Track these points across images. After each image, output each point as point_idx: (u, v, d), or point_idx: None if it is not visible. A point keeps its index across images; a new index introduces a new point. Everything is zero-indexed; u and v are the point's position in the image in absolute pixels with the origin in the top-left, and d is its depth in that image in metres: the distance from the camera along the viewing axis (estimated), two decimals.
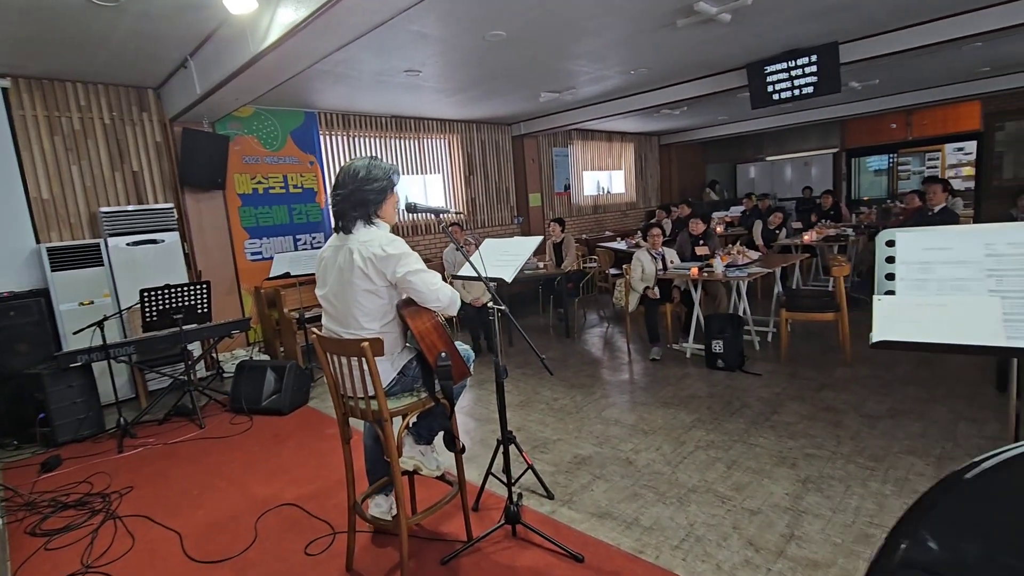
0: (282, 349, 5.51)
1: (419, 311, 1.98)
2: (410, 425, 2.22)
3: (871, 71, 6.97)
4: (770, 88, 5.89)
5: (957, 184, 10.51)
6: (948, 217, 5.65)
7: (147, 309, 4.00)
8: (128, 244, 4.75)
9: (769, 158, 13.39)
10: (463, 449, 2.20)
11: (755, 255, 5.11)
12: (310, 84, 5.22)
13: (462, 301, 2.11)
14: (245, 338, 5.73)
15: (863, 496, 2.47)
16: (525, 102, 7.06)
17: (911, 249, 1.14)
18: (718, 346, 4.32)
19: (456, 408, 2.20)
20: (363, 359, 1.88)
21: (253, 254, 5.88)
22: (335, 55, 3.86)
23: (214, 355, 5.22)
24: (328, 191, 6.30)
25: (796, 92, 5.71)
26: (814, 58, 5.48)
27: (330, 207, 2.06)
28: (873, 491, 2.51)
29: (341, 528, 2.47)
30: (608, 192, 11.08)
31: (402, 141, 7.39)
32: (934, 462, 2.71)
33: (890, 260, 1.16)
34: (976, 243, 1.08)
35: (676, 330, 5.25)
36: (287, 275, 4.97)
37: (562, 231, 6.41)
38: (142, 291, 3.98)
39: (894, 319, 1.07)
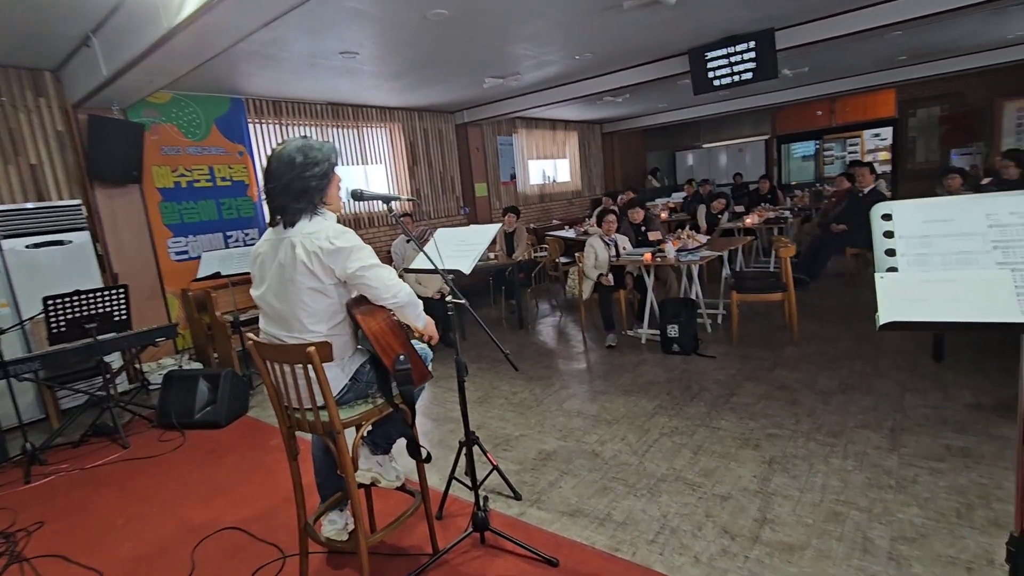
0: (216, 356, 5.09)
1: (372, 310, 1.78)
2: (365, 434, 2.03)
3: (802, 58, 7.21)
4: (711, 74, 5.96)
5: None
6: (877, 197, 5.93)
7: (53, 319, 3.54)
8: (28, 247, 4.20)
9: (706, 145, 13.79)
10: (429, 458, 2.03)
11: (704, 239, 5.17)
12: (236, 67, 4.80)
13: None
14: (173, 345, 5.26)
15: (827, 473, 2.50)
16: (468, 88, 6.84)
17: (910, 222, 1.07)
18: (673, 331, 4.33)
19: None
20: (310, 366, 1.67)
21: (178, 254, 5.39)
22: (262, 34, 3.53)
23: (137, 366, 4.74)
24: (260, 183, 5.86)
25: (736, 78, 5.81)
26: (752, 44, 5.58)
27: (264, 202, 1.81)
28: (836, 468, 2.54)
29: (292, 550, 2.24)
30: (554, 181, 11.04)
31: (340, 130, 7.00)
32: (888, 434, 2.78)
33: (888, 235, 1.09)
34: (977, 214, 1.03)
35: (630, 316, 5.25)
36: (217, 275, 4.57)
37: (516, 220, 6.28)
38: (45, 299, 3.52)
39: (900, 298, 0.99)
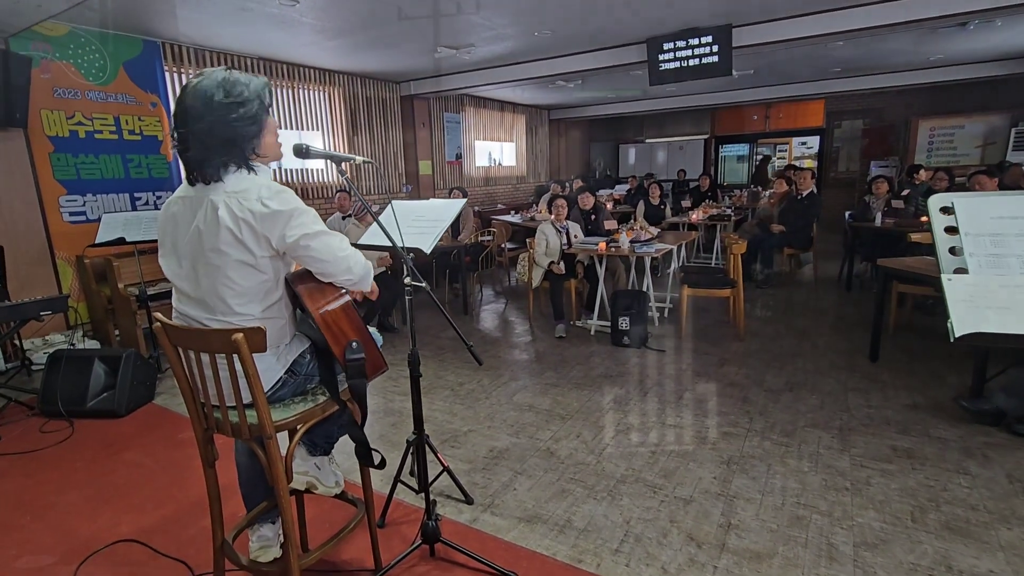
0: (117, 333, 4.46)
1: (322, 289, 1.46)
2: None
3: (748, 60, 7.35)
4: (666, 66, 5.91)
5: None
6: (815, 200, 6.17)
7: None
8: None
9: (648, 140, 13.99)
10: (383, 463, 1.75)
11: (655, 231, 5.12)
12: (148, 2, 4.15)
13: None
14: (64, 320, 4.57)
15: (785, 475, 2.46)
16: (418, 57, 6.41)
17: (976, 218, 0.93)
18: (625, 323, 4.25)
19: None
20: (236, 356, 1.35)
21: (73, 214, 4.67)
22: None
23: (16, 342, 4.06)
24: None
25: (690, 71, 5.79)
26: (709, 39, 5.57)
27: (177, 151, 1.43)
28: (792, 468, 2.51)
29: (204, 568, 1.91)
30: (500, 164, 10.78)
31: (274, 89, 6.34)
32: (838, 434, 2.80)
33: (951, 231, 0.94)
34: None
35: (579, 306, 5.13)
36: (121, 241, 3.97)
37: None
38: None
39: (977, 305, 0.85)
